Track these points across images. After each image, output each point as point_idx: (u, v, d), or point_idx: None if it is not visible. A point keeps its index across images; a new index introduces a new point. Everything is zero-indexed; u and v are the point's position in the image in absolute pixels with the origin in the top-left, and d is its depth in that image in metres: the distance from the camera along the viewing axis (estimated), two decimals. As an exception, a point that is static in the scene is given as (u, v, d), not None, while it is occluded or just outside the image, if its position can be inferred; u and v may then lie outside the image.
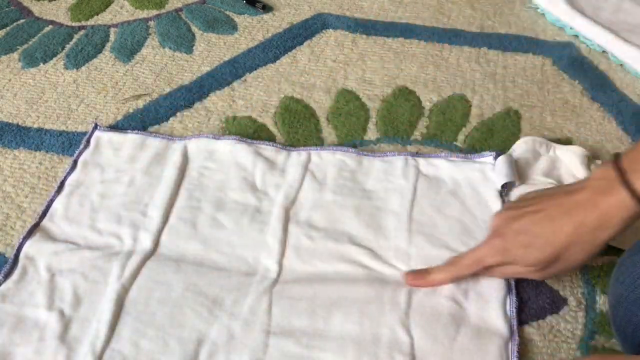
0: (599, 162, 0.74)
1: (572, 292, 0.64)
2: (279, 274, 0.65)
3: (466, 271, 0.61)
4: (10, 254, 0.67)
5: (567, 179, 0.72)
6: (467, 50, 0.96)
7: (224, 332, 0.59)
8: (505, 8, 1.05)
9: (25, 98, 0.88)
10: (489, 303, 0.61)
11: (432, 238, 0.67)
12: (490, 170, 0.73)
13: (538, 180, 0.72)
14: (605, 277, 0.64)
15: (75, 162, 0.77)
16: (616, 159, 0.53)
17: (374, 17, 1.03)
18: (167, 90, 0.89)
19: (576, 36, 0.98)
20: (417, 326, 0.59)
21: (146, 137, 0.80)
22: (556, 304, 0.63)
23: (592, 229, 0.53)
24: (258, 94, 0.88)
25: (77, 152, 0.78)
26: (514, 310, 0.61)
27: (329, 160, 0.76)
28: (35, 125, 0.84)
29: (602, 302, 0.63)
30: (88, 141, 0.80)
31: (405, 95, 0.87)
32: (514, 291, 0.62)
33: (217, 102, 0.87)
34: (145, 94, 0.88)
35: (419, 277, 0.62)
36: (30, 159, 0.79)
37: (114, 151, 0.78)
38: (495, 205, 0.70)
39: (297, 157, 0.77)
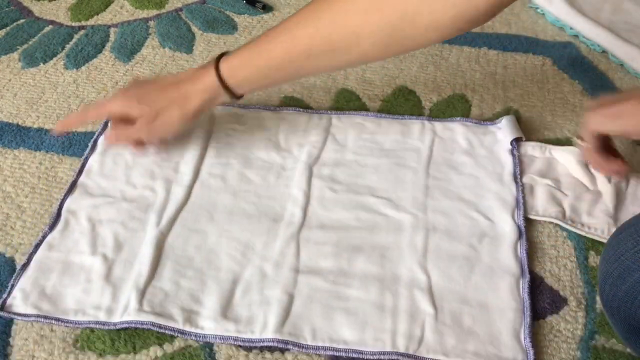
0: None
1: (572, 292, 0.64)
2: (304, 220, 0.70)
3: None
4: (10, 253, 0.68)
5: (565, 180, 0.73)
6: (467, 50, 0.96)
7: (257, 272, 0.64)
8: (505, 8, 1.05)
9: (25, 98, 0.88)
10: (501, 246, 0.66)
11: (447, 191, 0.72)
12: (500, 133, 0.79)
13: (535, 181, 0.72)
14: (605, 277, 0.64)
15: (106, 123, 0.82)
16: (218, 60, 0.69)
17: (374, 17, 1.03)
18: (167, 90, 0.89)
19: (576, 36, 0.98)
20: (434, 267, 0.64)
21: None
22: (556, 304, 0.63)
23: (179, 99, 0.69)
24: (258, 94, 0.88)
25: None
26: (525, 252, 0.66)
27: (349, 123, 0.82)
28: (35, 125, 0.84)
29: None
30: None
31: (405, 95, 0.87)
32: (524, 236, 0.67)
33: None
34: (145, 94, 0.88)
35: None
36: (30, 159, 0.79)
37: None
38: (507, 161, 0.75)
39: (319, 120, 0.82)
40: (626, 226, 0.55)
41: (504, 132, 0.78)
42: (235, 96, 0.70)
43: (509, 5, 0.58)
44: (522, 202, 0.70)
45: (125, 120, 0.71)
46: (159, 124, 0.70)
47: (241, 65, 0.68)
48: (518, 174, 0.74)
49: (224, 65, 0.68)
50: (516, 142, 0.77)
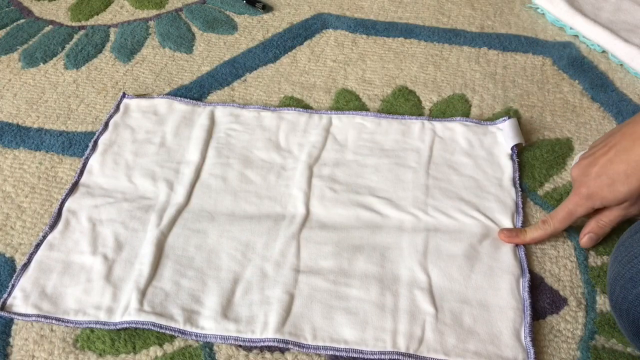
0: None
1: (572, 292, 0.64)
2: (304, 220, 0.70)
3: (560, 226, 0.65)
4: (10, 253, 0.68)
5: None
6: (467, 50, 0.96)
7: (257, 272, 0.65)
8: (505, 8, 1.05)
9: (25, 98, 0.88)
10: (502, 246, 0.66)
11: (447, 191, 0.72)
12: (500, 135, 0.79)
13: None
14: (605, 277, 0.64)
15: (106, 124, 0.82)
16: None
17: (374, 17, 1.03)
18: (167, 90, 0.89)
19: (576, 36, 0.98)
20: (434, 267, 0.64)
21: (172, 101, 0.85)
22: (556, 304, 0.63)
23: None
24: (258, 94, 0.88)
25: (108, 115, 0.84)
26: (524, 253, 0.66)
27: (350, 124, 0.81)
28: (35, 125, 0.84)
29: (602, 302, 0.63)
30: (117, 107, 0.85)
31: (405, 95, 0.88)
32: None
33: (217, 102, 0.87)
34: (145, 94, 0.88)
35: (513, 235, 0.66)
36: (30, 159, 0.79)
37: (143, 114, 0.84)
38: (507, 165, 0.75)
39: (319, 120, 0.82)
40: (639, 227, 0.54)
41: (505, 136, 0.78)
42: None
43: None
44: (522, 207, 0.71)
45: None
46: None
47: None
48: (517, 179, 0.74)
49: None
50: (516, 147, 0.77)
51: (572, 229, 0.69)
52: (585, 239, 0.66)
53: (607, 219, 0.64)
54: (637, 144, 0.57)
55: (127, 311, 0.61)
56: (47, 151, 0.80)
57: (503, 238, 0.67)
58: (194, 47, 0.98)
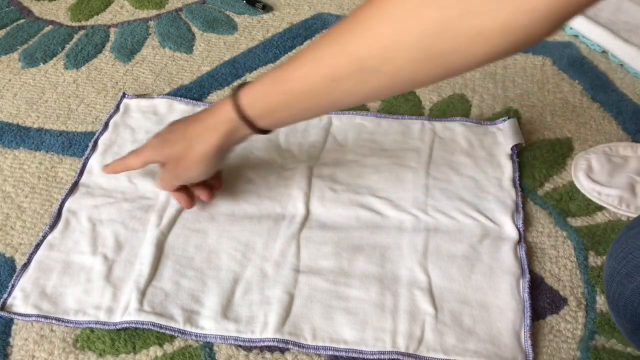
0: None
1: (572, 292, 0.64)
2: (304, 220, 0.70)
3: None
4: (10, 253, 0.68)
5: None
6: (467, 50, 0.96)
7: (257, 272, 0.65)
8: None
9: (25, 98, 0.88)
10: (502, 247, 0.66)
11: (447, 192, 0.72)
12: (500, 135, 0.79)
13: (635, 180, 0.72)
14: (605, 277, 0.64)
15: (106, 124, 0.82)
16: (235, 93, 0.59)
17: (374, 17, 1.03)
18: (167, 90, 0.89)
19: (576, 36, 0.98)
20: (434, 267, 0.65)
21: (172, 101, 0.85)
22: (556, 304, 0.63)
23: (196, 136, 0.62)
24: (258, 94, 0.88)
25: (108, 115, 0.84)
26: (524, 253, 0.66)
27: (349, 124, 0.82)
28: (35, 125, 0.84)
29: (602, 302, 0.63)
30: (117, 107, 0.85)
31: (405, 95, 0.87)
32: (522, 239, 0.68)
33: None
34: (145, 94, 0.88)
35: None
36: (30, 159, 0.79)
37: (143, 114, 0.84)
38: (506, 165, 0.75)
39: (319, 120, 0.82)
40: (636, 223, 0.54)
41: (504, 136, 0.78)
42: (257, 130, 0.60)
43: (576, 14, 0.44)
44: (522, 207, 0.71)
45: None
46: (181, 169, 0.64)
47: (261, 93, 0.57)
48: (517, 179, 0.74)
49: (242, 95, 0.58)
50: (516, 147, 0.77)
51: (573, 230, 0.69)
52: None
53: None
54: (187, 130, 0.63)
55: (127, 311, 0.61)
56: (47, 151, 0.80)
57: (106, 168, 0.70)
58: (194, 47, 0.98)
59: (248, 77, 0.91)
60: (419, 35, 0.47)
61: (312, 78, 0.53)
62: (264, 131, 0.61)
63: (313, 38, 0.99)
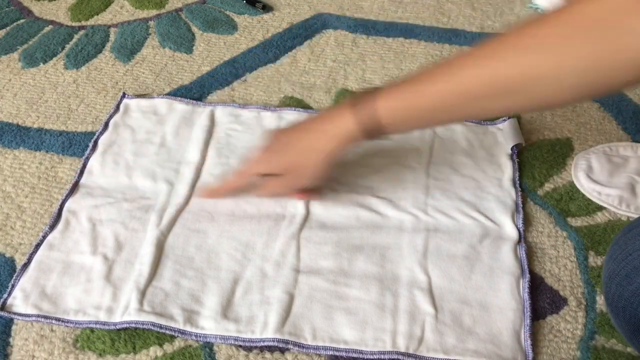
0: None
1: (572, 292, 0.64)
2: (304, 220, 0.70)
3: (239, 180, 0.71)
4: (10, 253, 0.68)
5: None
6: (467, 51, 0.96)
7: (257, 272, 0.65)
8: (505, 8, 1.05)
9: (25, 98, 0.88)
10: (502, 247, 0.66)
11: (447, 192, 0.72)
12: (500, 135, 0.79)
13: (635, 180, 0.72)
14: (605, 277, 0.64)
15: (106, 124, 0.82)
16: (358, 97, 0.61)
17: (374, 17, 1.03)
18: (167, 90, 0.89)
19: (576, 36, 0.98)
20: (434, 267, 0.65)
21: (172, 101, 0.85)
22: (556, 304, 0.63)
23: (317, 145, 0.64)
24: (258, 94, 0.88)
25: (108, 115, 0.84)
26: (524, 253, 0.66)
27: None
28: (35, 125, 0.84)
29: (602, 302, 0.63)
30: (117, 107, 0.85)
31: (405, 95, 0.87)
32: (522, 239, 0.68)
33: (217, 102, 0.87)
34: (145, 94, 0.88)
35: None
36: (30, 159, 0.79)
37: (143, 114, 0.84)
38: (507, 165, 0.75)
39: None
40: (635, 224, 0.54)
41: (504, 136, 0.78)
42: (380, 136, 0.62)
43: None
44: (522, 207, 0.71)
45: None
46: (294, 178, 0.67)
47: (400, 105, 0.58)
48: (517, 179, 0.74)
49: (380, 105, 0.59)
50: (516, 147, 0.77)
51: (573, 230, 0.69)
52: None
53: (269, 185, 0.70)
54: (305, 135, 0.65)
55: (127, 311, 0.61)
56: (47, 151, 0.80)
57: (203, 193, 0.73)
58: (194, 47, 0.98)
59: (248, 76, 0.91)
60: (571, 67, 0.47)
61: (449, 95, 0.55)
62: (382, 136, 0.62)
63: (313, 38, 0.99)
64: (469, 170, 0.75)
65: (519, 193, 0.72)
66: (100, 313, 0.61)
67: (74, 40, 1.00)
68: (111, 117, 0.83)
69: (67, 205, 0.72)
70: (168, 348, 0.60)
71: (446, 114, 0.58)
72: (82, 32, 1.01)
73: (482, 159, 0.76)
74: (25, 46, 0.98)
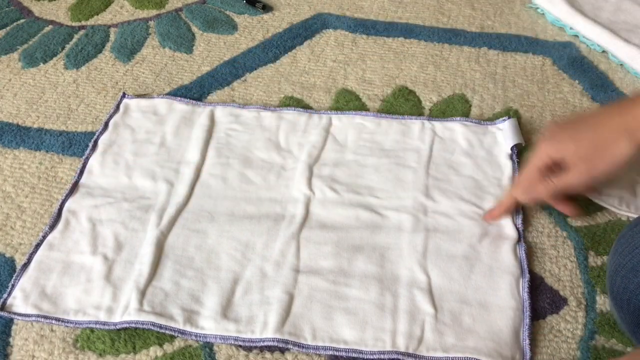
0: None
1: (572, 292, 0.64)
2: (304, 220, 0.70)
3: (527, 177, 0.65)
4: (10, 253, 0.68)
5: None
6: (467, 50, 0.96)
7: (257, 272, 0.65)
8: (505, 8, 1.05)
9: (25, 98, 0.88)
10: (501, 247, 0.66)
11: (447, 192, 0.72)
12: (500, 135, 0.79)
13: (635, 180, 0.72)
14: (605, 277, 0.64)
15: (106, 124, 0.82)
16: None
17: (374, 17, 1.03)
18: (167, 90, 0.89)
19: (576, 36, 0.98)
20: (434, 267, 0.65)
21: (172, 101, 0.85)
22: (556, 304, 0.63)
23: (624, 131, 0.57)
24: (258, 94, 0.88)
25: (108, 115, 0.84)
26: (524, 253, 0.66)
27: (349, 124, 0.81)
28: (35, 125, 0.84)
29: (602, 302, 0.63)
30: (117, 106, 0.85)
31: (405, 95, 0.87)
32: (522, 239, 0.68)
33: (217, 102, 0.87)
34: (145, 94, 0.88)
35: (492, 212, 0.69)
36: (30, 159, 0.79)
37: (143, 114, 0.84)
38: (506, 165, 0.75)
39: (319, 120, 0.82)
40: None
41: (504, 136, 0.78)
42: None
43: None
44: (522, 207, 0.70)
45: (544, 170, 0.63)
46: (599, 161, 0.59)
47: None
48: None
49: None
50: (516, 147, 0.77)
51: (573, 230, 0.69)
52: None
53: (561, 181, 0.64)
54: (605, 121, 0.60)
55: (127, 311, 0.61)
56: (47, 151, 0.80)
57: (488, 218, 0.69)
58: (194, 47, 0.98)
59: (248, 76, 0.91)
60: None
61: None
62: None
63: (313, 38, 0.99)
64: (469, 170, 0.75)
65: None
66: (100, 313, 0.61)
67: (74, 40, 1.00)
68: (111, 117, 0.83)
69: (67, 205, 0.72)
70: (168, 348, 0.60)
71: None
72: (82, 32, 1.01)
73: (482, 158, 0.76)
74: (25, 46, 0.98)
